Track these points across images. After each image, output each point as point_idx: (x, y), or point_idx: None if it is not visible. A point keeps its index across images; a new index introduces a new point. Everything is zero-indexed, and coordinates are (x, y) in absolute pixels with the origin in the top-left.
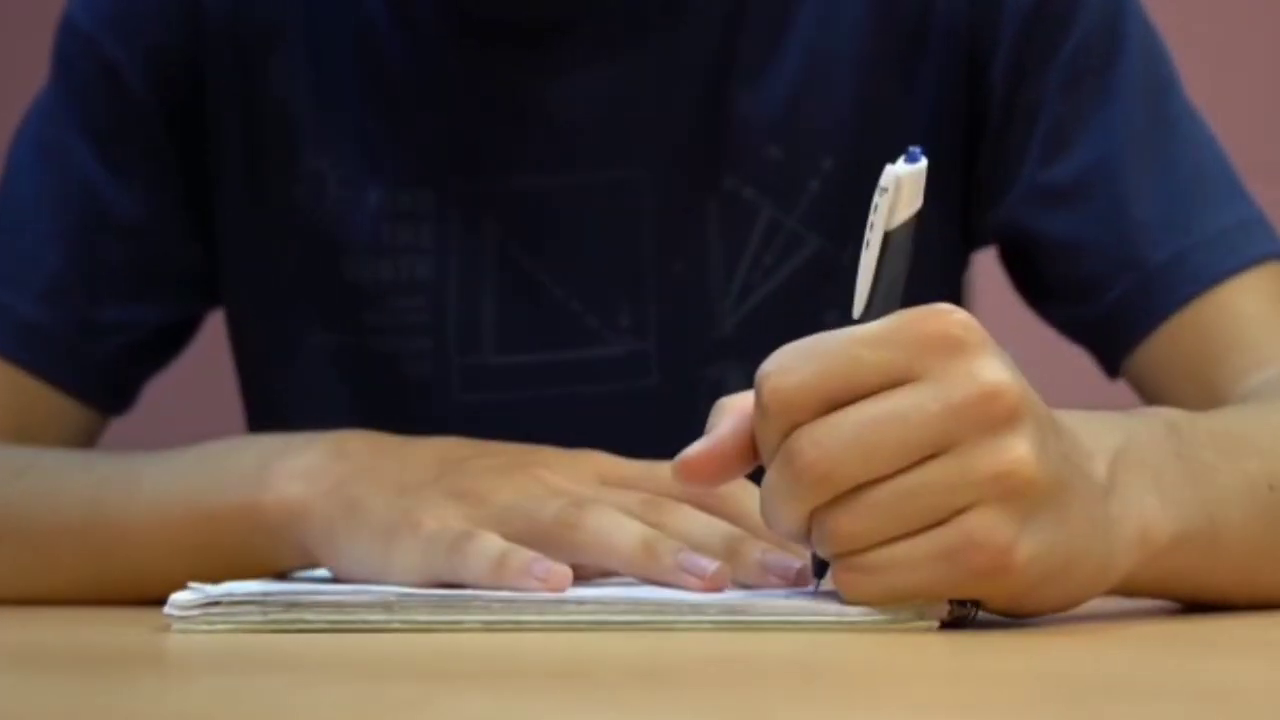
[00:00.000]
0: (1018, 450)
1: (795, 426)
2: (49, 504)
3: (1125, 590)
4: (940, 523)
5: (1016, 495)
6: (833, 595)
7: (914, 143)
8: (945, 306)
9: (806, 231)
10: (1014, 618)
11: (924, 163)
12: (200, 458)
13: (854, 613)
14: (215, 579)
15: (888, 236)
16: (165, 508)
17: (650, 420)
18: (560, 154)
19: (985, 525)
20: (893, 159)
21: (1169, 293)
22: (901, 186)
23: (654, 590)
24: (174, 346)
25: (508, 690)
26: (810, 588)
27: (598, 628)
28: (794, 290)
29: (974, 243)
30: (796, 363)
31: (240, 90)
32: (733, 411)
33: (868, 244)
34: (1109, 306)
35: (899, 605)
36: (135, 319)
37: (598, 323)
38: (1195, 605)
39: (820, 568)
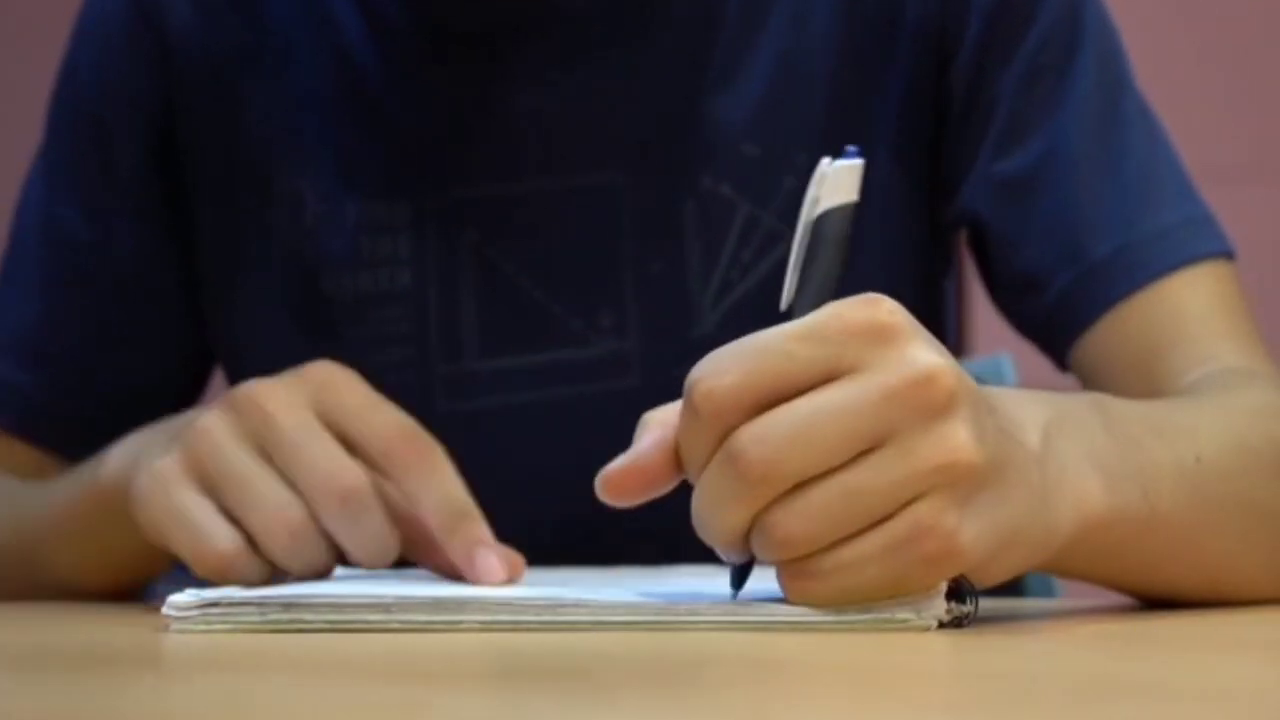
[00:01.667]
0: (958, 437)
1: (730, 429)
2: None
3: (1066, 570)
4: (886, 517)
5: (959, 482)
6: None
7: (887, 137)
8: (873, 296)
9: (784, 228)
10: None
11: (858, 161)
12: (98, 455)
13: (853, 613)
14: (111, 565)
15: (816, 226)
16: (58, 502)
17: (631, 421)
18: (537, 159)
19: (931, 515)
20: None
21: (1108, 287)
22: (827, 179)
23: (653, 591)
24: (188, 394)
25: (507, 690)
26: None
27: (597, 628)
28: (773, 286)
29: (946, 235)
30: (727, 365)
31: (214, 121)
32: (656, 425)
33: (796, 237)
34: (1051, 300)
35: (851, 606)
36: (138, 366)
37: (580, 324)
38: (1190, 605)
39: (739, 578)
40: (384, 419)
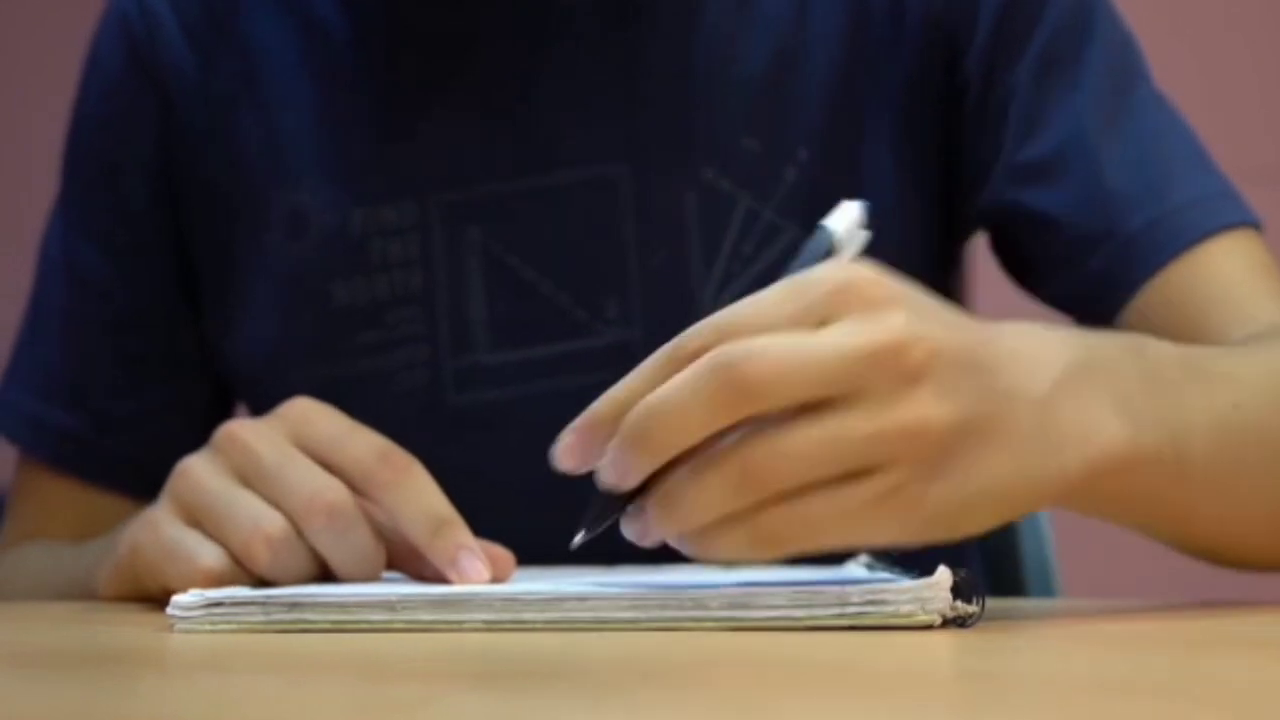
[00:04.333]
0: (926, 405)
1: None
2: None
3: (1086, 511)
4: (855, 477)
5: (928, 449)
6: (832, 594)
7: (886, 133)
8: (853, 264)
9: (784, 221)
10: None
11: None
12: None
13: (854, 612)
14: None
15: None
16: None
17: None
18: (537, 156)
19: (899, 480)
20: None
21: (1147, 257)
22: (845, 246)
23: (656, 583)
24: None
25: (508, 690)
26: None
27: (599, 627)
28: (773, 279)
29: (960, 231)
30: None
31: (211, 153)
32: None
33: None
34: (1090, 276)
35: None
36: (168, 397)
37: (586, 315)
38: (1191, 604)
39: (595, 522)
40: (361, 443)
